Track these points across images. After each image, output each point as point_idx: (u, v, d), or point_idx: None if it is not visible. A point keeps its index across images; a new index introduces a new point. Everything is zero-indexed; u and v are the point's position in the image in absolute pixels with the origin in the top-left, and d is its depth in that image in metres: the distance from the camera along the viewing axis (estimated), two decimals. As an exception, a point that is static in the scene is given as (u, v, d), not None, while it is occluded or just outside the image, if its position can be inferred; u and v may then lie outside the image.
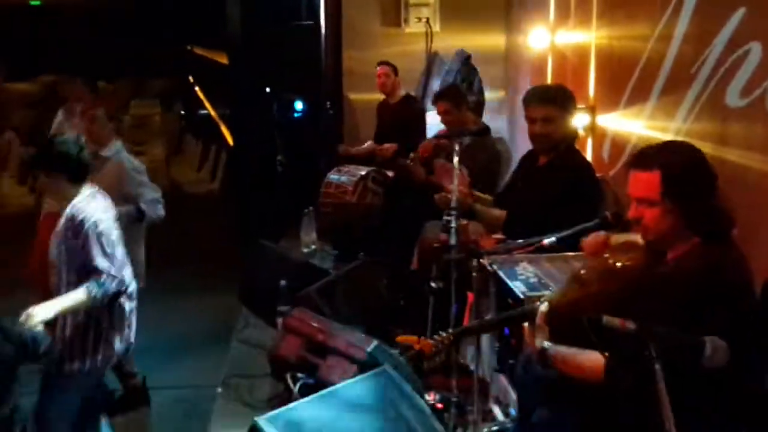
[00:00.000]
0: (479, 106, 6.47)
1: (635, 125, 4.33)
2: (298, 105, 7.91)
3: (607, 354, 2.21)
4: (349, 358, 3.47)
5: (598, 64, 4.93)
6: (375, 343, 3.51)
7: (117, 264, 3.40)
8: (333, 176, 6.28)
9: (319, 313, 4.06)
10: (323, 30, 7.57)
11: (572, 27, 5.39)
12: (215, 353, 4.84)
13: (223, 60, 10.68)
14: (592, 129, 4.88)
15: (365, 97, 7.10)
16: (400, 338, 3.08)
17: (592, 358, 2.29)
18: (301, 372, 3.61)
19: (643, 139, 4.13)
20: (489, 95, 6.97)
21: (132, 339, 3.59)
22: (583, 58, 5.10)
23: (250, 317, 4.95)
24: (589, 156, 4.79)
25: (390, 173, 6.12)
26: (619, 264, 2.56)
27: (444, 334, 2.63)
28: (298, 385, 3.54)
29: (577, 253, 3.13)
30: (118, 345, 3.53)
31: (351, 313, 4.11)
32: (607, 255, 2.67)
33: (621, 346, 2.03)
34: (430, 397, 3.53)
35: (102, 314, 3.45)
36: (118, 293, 3.43)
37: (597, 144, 4.87)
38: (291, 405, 3.09)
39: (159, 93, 16.88)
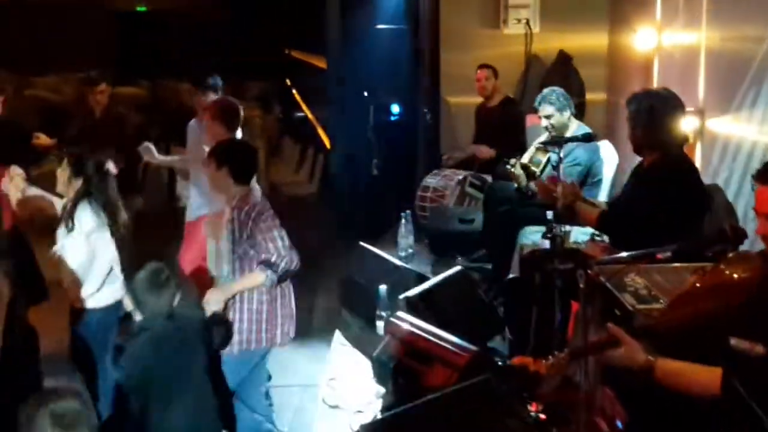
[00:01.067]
0: (580, 108, 6.36)
1: (748, 130, 4.17)
2: (395, 108, 7.97)
3: (725, 369, 2.13)
4: (452, 366, 3.47)
5: (708, 65, 4.77)
6: (478, 350, 3.50)
7: (287, 245, 3.65)
8: (430, 180, 6.30)
9: (419, 318, 4.07)
10: (421, 33, 7.59)
11: (680, 27, 5.23)
12: (317, 354, 4.93)
13: (321, 63, 10.86)
14: (701, 133, 4.72)
15: (463, 100, 7.07)
16: (515, 360, 3.04)
17: (707, 374, 2.22)
18: (403, 377, 3.64)
19: (757, 145, 3.97)
20: (590, 97, 6.84)
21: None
22: (692, 59, 4.94)
23: (350, 319, 5.01)
24: (698, 161, 4.64)
25: (488, 177, 6.08)
26: (736, 276, 2.47)
27: (560, 355, 2.56)
28: (400, 390, 3.57)
29: (689, 264, 3.04)
30: (287, 327, 3.79)
31: (450, 320, 4.10)
32: (723, 266, 2.58)
33: (745, 366, 1.96)
34: (533, 408, 3.48)
35: (273, 297, 3.72)
36: (285, 274, 3.66)
37: (707, 149, 4.71)
38: (393, 411, 3.11)
39: (258, 96, 17.30)
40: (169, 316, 3.34)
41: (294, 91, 16.48)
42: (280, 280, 3.65)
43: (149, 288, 3.34)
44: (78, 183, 3.74)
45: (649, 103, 3.72)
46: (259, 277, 3.58)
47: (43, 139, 6.21)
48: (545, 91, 5.26)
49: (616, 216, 3.79)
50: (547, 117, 5.10)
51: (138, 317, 3.38)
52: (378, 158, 7.62)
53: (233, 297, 3.65)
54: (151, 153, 5.51)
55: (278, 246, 3.61)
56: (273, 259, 3.58)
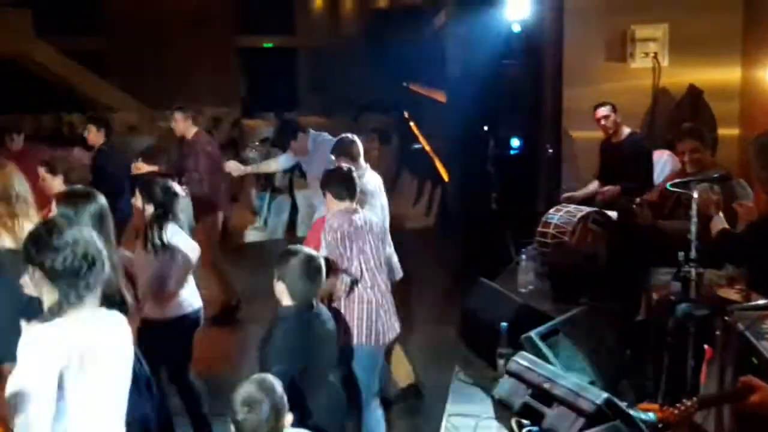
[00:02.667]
0: (712, 144, 6.12)
1: None
2: (515, 142, 7.92)
3: None
4: (577, 410, 3.37)
5: None
6: (605, 395, 3.39)
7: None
8: (552, 215, 6.19)
9: (541, 358, 3.99)
10: (544, 67, 7.55)
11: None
12: (436, 389, 4.92)
13: (440, 97, 10.95)
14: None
15: (586, 134, 6.95)
16: (641, 406, 2.93)
17: None
18: (526, 418, 3.56)
19: None
20: (721, 132, 6.58)
21: None
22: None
23: (470, 355, 4.96)
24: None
25: (613, 215, 5.92)
26: None
27: (688, 403, 2.45)
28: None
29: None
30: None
31: (575, 362, 3.99)
32: None
33: None
34: (664, 458, 3.34)
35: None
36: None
37: None
38: (517, 454, 3.05)
39: (376, 128, 17.59)
40: (310, 306, 3.51)
41: (412, 124, 16.66)
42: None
43: (302, 275, 3.45)
44: (150, 208, 4.24)
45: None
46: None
47: (140, 166, 6.66)
48: (689, 126, 5.08)
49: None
50: (694, 151, 4.93)
51: None
52: (497, 192, 7.57)
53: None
54: (234, 167, 6.68)
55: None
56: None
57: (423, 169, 12.43)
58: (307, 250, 3.65)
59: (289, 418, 2.90)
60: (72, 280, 2.35)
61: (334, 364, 3.76)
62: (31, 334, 2.32)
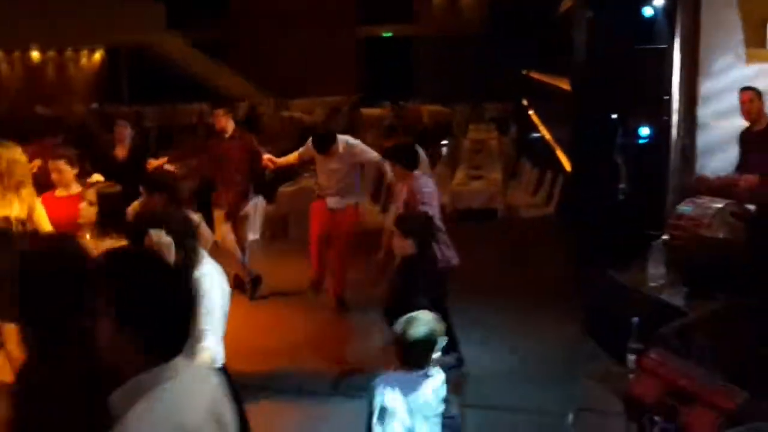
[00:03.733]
0: None
1: None
2: (644, 131, 7.61)
3: None
4: (716, 409, 3.23)
5: None
6: (746, 395, 3.23)
7: None
8: (685, 207, 5.93)
9: (676, 354, 3.84)
10: (677, 52, 7.20)
11: None
12: (559, 382, 4.83)
13: (563, 84, 10.68)
14: None
15: (723, 123, 6.60)
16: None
17: None
18: (659, 416, 3.44)
19: None
20: None
21: None
22: None
23: (596, 349, 4.85)
24: None
25: (752, 207, 5.62)
26: None
27: None
28: (655, 429, 3.38)
29: None
30: None
31: (712, 359, 3.82)
32: None
33: None
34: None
35: None
36: None
37: None
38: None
39: (494, 117, 17.42)
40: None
41: (531, 113, 16.38)
42: None
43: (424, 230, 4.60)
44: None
45: None
46: None
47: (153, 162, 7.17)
48: None
49: None
50: None
51: None
52: (625, 183, 7.31)
53: None
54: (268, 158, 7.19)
55: None
56: None
57: (543, 158, 12.20)
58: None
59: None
60: None
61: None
62: None
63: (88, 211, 3.83)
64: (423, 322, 3.22)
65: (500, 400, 4.60)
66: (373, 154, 6.91)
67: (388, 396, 3.09)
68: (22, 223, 4.58)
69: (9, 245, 4.50)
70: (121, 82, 23.59)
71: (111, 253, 1.99)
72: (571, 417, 4.09)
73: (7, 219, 4.54)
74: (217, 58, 22.02)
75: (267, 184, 8.77)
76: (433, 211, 5.36)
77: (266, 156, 7.33)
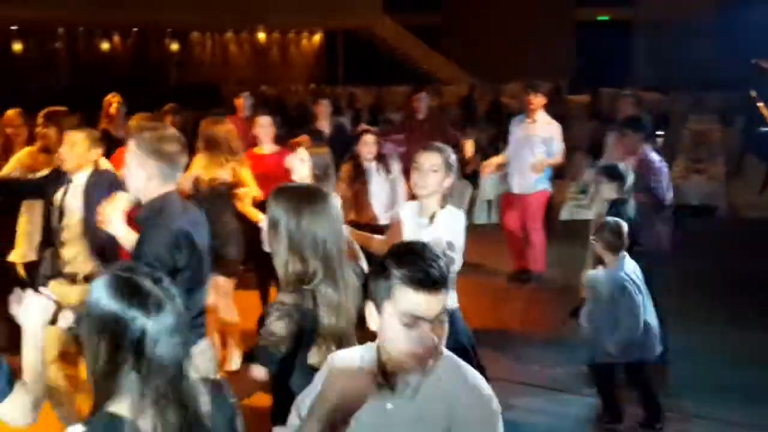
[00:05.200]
0: None
1: None
2: None
3: None
4: None
5: None
6: None
7: None
8: None
9: None
10: None
11: None
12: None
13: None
14: None
15: None
16: None
17: None
18: None
19: None
20: None
21: None
22: None
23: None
24: None
25: None
26: None
27: None
28: None
29: None
30: None
31: None
32: None
33: None
34: None
35: None
36: None
37: None
38: None
39: (718, 107, 16.22)
40: None
41: (760, 105, 15.06)
42: None
43: None
44: None
45: None
46: None
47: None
48: None
49: None
50: None
51: None
52: None
53: None
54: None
55: None
56: None
57: (772, 153, 11.21)
58: None
59: None
60: None
61: None
62: None
63: (301, 166, 4.09)
64: None
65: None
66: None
67: None
68: (232, 186, 5.03)
69: (230, 206, 4.93)
70: (337, 64, 24.57)
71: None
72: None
73: (223, 182, 4.97)
74: (431, 44, 22.32)
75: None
76: (662, 191, 5.19)
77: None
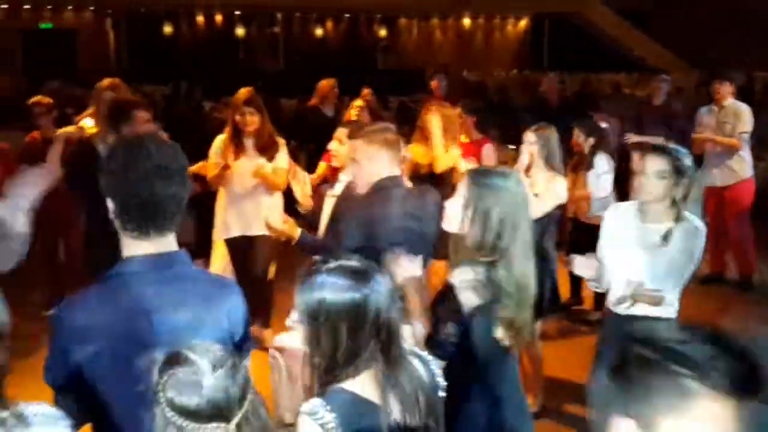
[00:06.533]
0: None
1: None
2: None
3: None
4: None
5: None
6: None
7: None
8: None
9: None
10: None
11: None
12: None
13: None
14: None
15: None
16: None
17: None
18: None
19: None
20: None
21: None
22: None
23: None
24: None
25: None
26: None
27: None
28: None
29: None
30: None
31: None
32: None
33: None
34: None
35: None
36: None
37: None
38: None
39: None
40: None
41: None
42: None
43: None
44: None
45: None
46: None
47: None
48: None
49: None
50: None
51: None
52: None
53: None
54: None
55: None
56: None
57: None
58: None
59: None
60: None
61: None
62: None
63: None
64: None
65: None
66: None
67: None
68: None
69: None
70: (543, 50, 24.05)
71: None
72: None
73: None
74: (642, 29, 21.29)
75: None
76: None
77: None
